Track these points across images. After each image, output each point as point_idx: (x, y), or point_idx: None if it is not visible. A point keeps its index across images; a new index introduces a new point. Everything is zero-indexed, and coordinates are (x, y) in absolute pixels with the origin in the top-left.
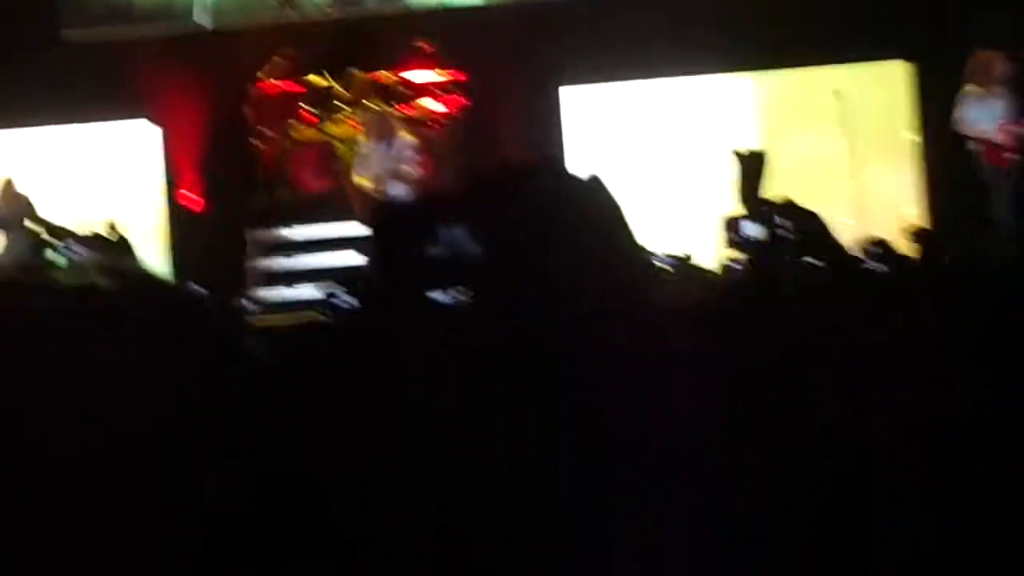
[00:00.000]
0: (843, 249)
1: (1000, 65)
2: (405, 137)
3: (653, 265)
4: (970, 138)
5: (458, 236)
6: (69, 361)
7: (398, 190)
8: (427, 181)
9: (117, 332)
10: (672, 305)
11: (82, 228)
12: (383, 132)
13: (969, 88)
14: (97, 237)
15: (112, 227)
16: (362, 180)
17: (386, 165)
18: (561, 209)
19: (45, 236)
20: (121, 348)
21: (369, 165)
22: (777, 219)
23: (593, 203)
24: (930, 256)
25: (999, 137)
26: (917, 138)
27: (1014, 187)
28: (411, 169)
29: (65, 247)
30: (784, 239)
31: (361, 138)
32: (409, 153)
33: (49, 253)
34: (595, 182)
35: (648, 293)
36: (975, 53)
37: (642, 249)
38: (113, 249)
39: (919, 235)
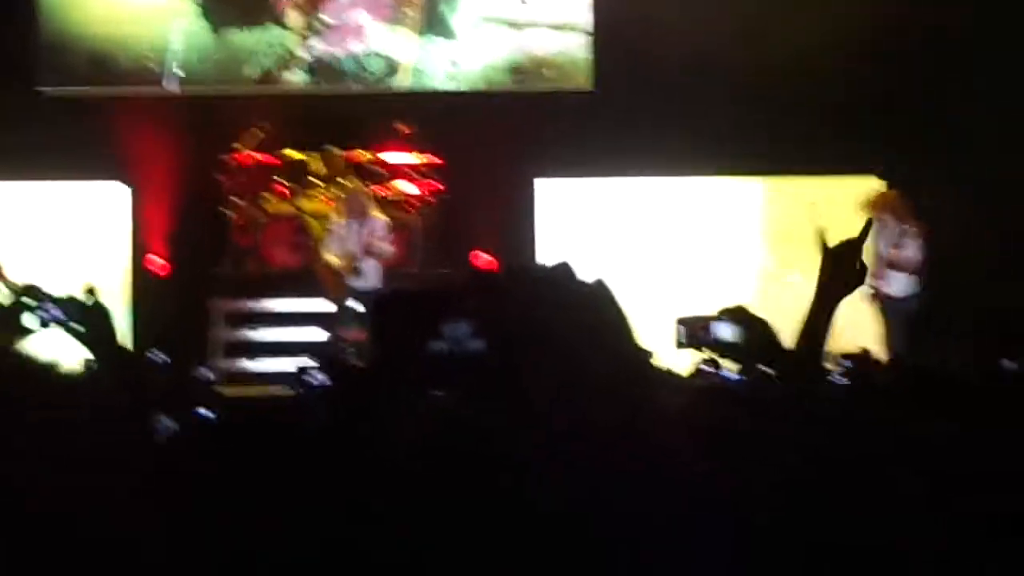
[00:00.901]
0: (791, 357)
1: (886, 195)
2: (378, 216)
3: (651, 369)
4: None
5: (460, 332)
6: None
7: (369, 269)
8: (399, 262)
9: (79, 404)
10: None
11: (58, 290)
12: (356, 210)
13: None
14: (73, 301)
15: (91, 291)
16: (332, 257)
17: (358, 243)
18: (568, 312)
19: (23, 298)
20: (83, 419)
21: (341, 243)
22: (734, 326)
23: (598, 307)
24: (884, 372)
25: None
26: None
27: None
28: (383, 249)
29: (42, 310)
30: (732, 343)
31: (334, 215)
32: (382, 233)
33: (25, 315)
34: (600, 287)
35: (643, 396)
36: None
37: (643, 354)
38: (89, 315)
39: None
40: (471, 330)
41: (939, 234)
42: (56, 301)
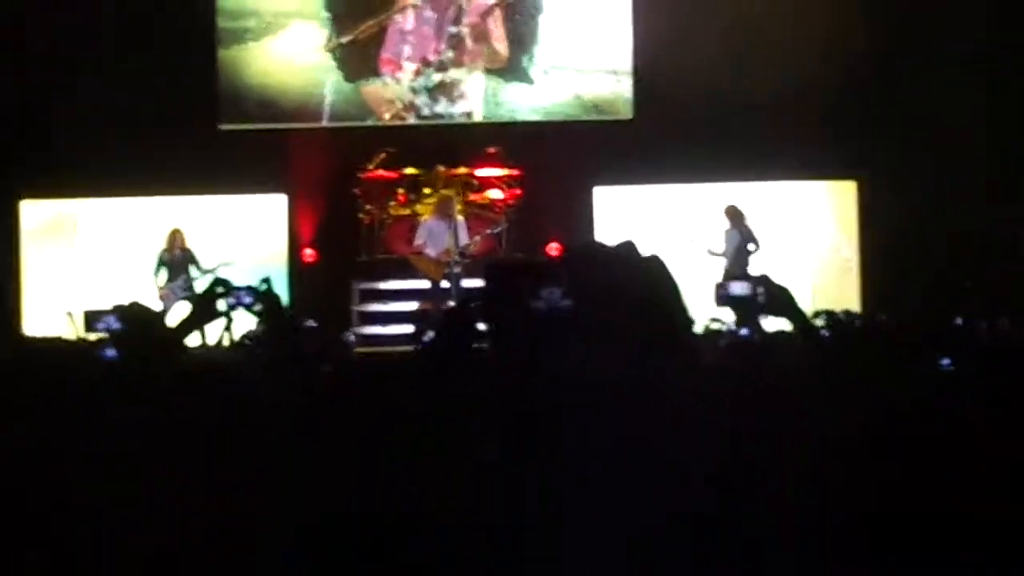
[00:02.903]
0: (805, 315)
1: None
2: (461, 218)
3: (693, 335)
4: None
5: (555, 294)
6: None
7: (457, 260)
8: (487, 251)
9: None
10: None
11: (241, 280)
12: (445, 212)
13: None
14: (253, 289)
15: (267, 281)
16: (429, 250)
17: (450, 239)
18: (636, 281)
19: (217, 288)
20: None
21: (434, 238)
22: (756, 285)
23: (656, 275)
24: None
25: None
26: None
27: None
28: (468, 242)
29: (231, 296)
30: (760, 300)
31: (427, 216)
32: (464, 230)
33: (219, 301)
34: (656, 260)
35: (689, 351)
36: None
37: (690, 321)
38: (265, 300)
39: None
40: (562, 293)
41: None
42: (242, 290)
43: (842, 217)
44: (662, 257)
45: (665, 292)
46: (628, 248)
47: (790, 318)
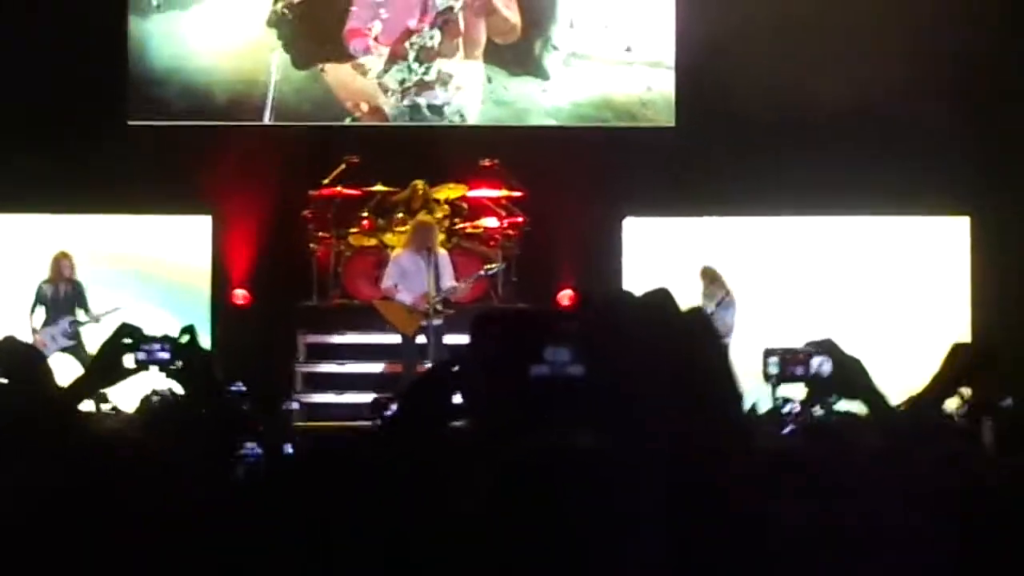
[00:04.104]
0: (883, 396)
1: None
2: (444, 253)
3: (743, 413)
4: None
5: (563, 356)
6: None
7: (439, 306)
8: (480, 297)
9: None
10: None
11: (157, 330)
12: (424, 245)
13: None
14: (172, 341)
15: (190, 331)
16: (404, 294)
17: (428, 278)
18: (671, 342)
19: (124, 339)
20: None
21: (407, 278)
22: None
23: (702, 340)
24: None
25: None
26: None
27: None
28: (458, 286)
29: (142, 351)
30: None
31: (399, 249)
32: (448, 270)
33: (126, 357)
34: (699, 315)
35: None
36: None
37: (739, 396)
38: (187, 356)
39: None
40: (572, 355)
41: None
42: (157, 341)
43: (948, 261)
44: (704, 311)
45: (709, 358)
46: (661, 298)
47: (863, 399)
